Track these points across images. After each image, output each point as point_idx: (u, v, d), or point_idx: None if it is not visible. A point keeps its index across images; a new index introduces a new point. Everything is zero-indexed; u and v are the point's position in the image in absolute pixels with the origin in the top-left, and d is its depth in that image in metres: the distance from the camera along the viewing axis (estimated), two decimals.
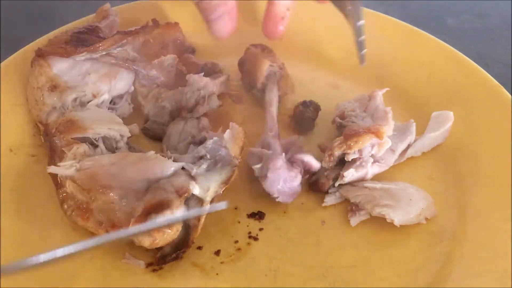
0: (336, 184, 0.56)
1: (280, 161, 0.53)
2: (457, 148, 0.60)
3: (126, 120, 0.61)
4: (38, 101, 0.57)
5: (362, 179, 0.56)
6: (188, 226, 0.50)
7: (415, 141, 0.60)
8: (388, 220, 0.52)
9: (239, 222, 0.54)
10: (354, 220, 0.53)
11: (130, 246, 0.51)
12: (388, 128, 0.55)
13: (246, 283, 0.49)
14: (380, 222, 0.52)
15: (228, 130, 0.54)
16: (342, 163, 0.56)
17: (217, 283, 0.48)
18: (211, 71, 0.66)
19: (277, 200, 0.53)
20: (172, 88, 0.62)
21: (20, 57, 0.64)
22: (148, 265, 0.50)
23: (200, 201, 0.49)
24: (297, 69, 0.72)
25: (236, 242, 0.52)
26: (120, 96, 0.62)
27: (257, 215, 0.54)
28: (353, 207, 0.54)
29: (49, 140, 0.54)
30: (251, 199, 0.56)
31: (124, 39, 0.60)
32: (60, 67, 0.58)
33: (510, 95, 0.60)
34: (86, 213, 0.48)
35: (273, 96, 0.62)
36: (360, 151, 0.55)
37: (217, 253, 0.51)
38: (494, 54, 0.82)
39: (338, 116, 0.62)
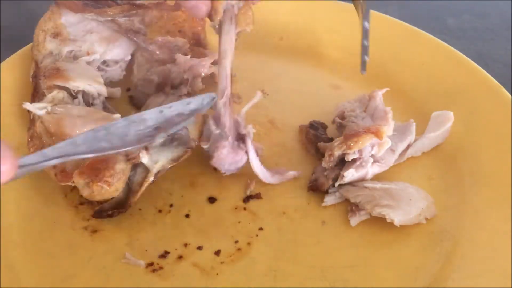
0: (336, 184, 0.56)
1: (226, 145, 0.54)
2: (457, 148, 0.60)
3: (115, 84, 0.66)
4: (40, 42, 0.62)
5: (362, 179, 0.56)
6: (130, 190, 0.53)
7: (415, 141, 0.60)
8: (388, 220, 0.52)
9: (239, 222, 0.54)
10: (354, 220, 0.53)
11: (130, 246, 0.51)
12: (388, 128, 0.55)
13: (246, 283, 0.48)
14: (380, 222, 0.52)
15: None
16: (342, 163, 0.56)
17: (217, 283, 0.48)
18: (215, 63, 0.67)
19: (223, 174, 0.56)
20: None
21: (20, 57, 0.64)
22: (148, 265, 0.50)
23: (146, 170, 0.52)
24: (297, 69, 0.72)
25: (236, 242, 0.52)
26: (115, 61, 0.66)
27: (255, 197, 0.55)
28: (353, 207, 0.54)
29: (36, 81, 0.58)
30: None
31: (133, 10, 0.63)
32: (68, 18, 0.63)
33: (510, 95, 0.60)
34: None
35: (228, 43, 0.53)
36: (360, 151, 0.55)
37: (217, 253, 0.51)
38: (494, 54, 0.82)
39: (338, 116, 0.62)
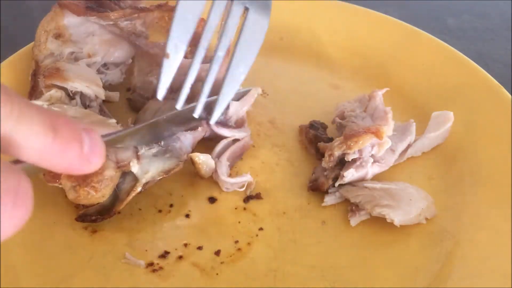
0: (336, 184, 0.56)
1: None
2: (457, 148, 0.60)
3: (114, 88, 0.66)
4: (42, 42, 0.61)
5: (362, 179, 0.56)
6: (117, 197, 0.52)
7: (415, 141, 0.60)
8: (388, 220, 0.52)
9: (239, 222, 0.54)
10: (354, 220, 0.53)
11: (130, 246, 0.51)
12: (388, 128, 0.55)
13: (246, 283, 0.48)
14: (380, 222, 0.52)
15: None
16: (342, 163, 0.56)
17: (217, 283, 0.48)
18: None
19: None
20: None
21: (20, 57, 0.64)
22: (148, 265, 0.50)
23: (135, 179, 0.51)
24: (297, 69, 0.72)
25: (236, 242, 0.52)
26: (116, 64, 0.66)
27: (255, 197, 0.55)
28: (353, 207, 0.54)
29: (34, 79, 0.58)
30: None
31: (135, 14, 0.63)
32: (71, 20, 0.63)
33: (510, 95, 0.60)
34: None
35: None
36: (360, 151, 0.55)
37: (217, 253, 0.51)
38: (494, 54, 0.82)
39: (338, 116, 0.62)
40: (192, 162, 0.54)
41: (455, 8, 0.93)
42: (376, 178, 0.57)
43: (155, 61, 0.65)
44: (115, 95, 0.65)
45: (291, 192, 0.57)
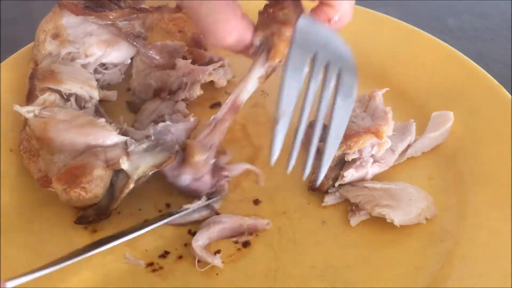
0: (336, 184, 0.56)
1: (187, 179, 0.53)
2: (457, 148, 0.60)
3: (112, 87, 0.66)
4: (41, 42, 0.62)
5: (362, 179, 0.56)
6: (113, 196, 0.52)
7: (415, 141, 0.60)
8: (388, 220, 0.52)
9: None
10: (354, 220, 0.53)
11: (130, 246, 0.51)
12: (388, 128, 0.55)
13: (246, 283, 0.48)
14: (380, 222, 0.52)
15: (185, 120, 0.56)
16: (342, 163, 0.56)
17: (217, 283, 0.48)
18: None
19: None
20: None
21: (20, 57, 0.64)
22: (148, 265, 0.50)
23: (127, 176, 0.51)
24: None
25: (236, 242, 0.52)
26: (115, 64, 0.66)
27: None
28: (353, 207, 0.54)
29: (32, 82, 0.58)
30: None
31: (133, 14, 0.63)
32: (69, 20, 0.63)
33: (510, 95, 0.60)
34: (34, 157, 0.52)
35: (251, 78, 0.52)
36: (360, 151, 0.55)
37: (217, 253, 0.51)
38: (494, 54, 0.82)
39: None
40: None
41: (455, 8, 0.93)
42: (376, 178, 0.57)
43: (153, 63, 0.65)
44: (112, 94, 0.65)
45: (291, 192, 0.57)
